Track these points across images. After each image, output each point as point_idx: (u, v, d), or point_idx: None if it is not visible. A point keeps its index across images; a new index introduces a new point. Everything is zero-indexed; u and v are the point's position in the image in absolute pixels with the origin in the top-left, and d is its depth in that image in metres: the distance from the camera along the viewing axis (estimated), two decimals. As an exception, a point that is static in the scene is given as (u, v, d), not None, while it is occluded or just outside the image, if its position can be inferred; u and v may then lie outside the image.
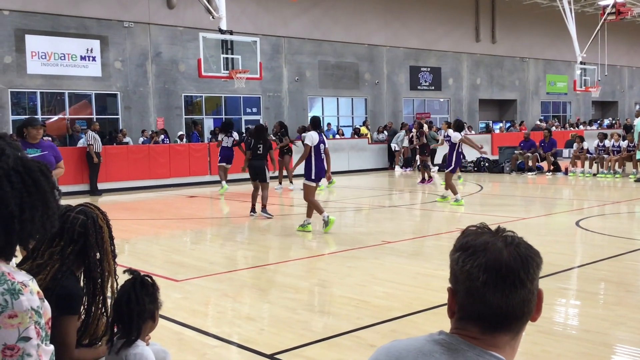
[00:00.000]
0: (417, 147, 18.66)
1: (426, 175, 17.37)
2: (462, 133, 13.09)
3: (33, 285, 1.38)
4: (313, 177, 9.41)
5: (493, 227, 1.43)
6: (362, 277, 6.53)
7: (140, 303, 2.60)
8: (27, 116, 19.05)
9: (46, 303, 1.41)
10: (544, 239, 8.50)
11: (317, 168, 9.36)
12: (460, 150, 12.70)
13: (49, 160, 6.18)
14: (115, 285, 2.71)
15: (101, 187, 16.26)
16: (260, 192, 11.53)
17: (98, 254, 2.64)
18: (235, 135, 15.35)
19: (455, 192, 12.32)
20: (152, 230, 11.02)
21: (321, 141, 9.46)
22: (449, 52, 29.26)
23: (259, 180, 11.55)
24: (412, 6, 26.75)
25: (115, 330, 2.68)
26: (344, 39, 25.32)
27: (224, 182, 15.19)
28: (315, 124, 9.68)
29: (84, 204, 2.76)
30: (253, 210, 11.59)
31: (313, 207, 9.49)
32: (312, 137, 9.40)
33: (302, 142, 14.05)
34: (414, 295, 5.73)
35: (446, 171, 12.58)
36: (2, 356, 1.30)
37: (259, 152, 11.64)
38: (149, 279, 2.70)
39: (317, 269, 7.01)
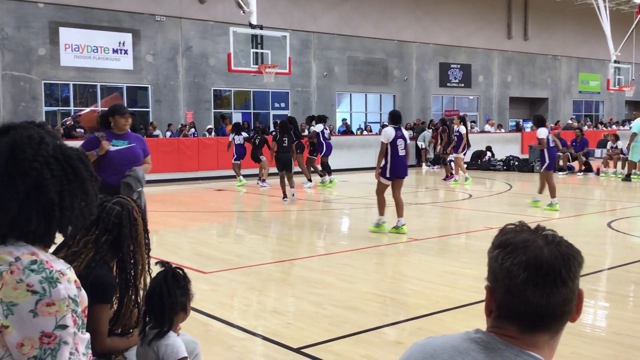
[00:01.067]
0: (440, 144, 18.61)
1: (448, 172, 17.35)
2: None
3: (70, 274, 1.40)
4: (388, 175, 8.89)
5: (532, 226, 1.40)
6: (388, 273, 6.52)
7: (172, 295, 2.63)
8: (59, 108, 19.44)
9: (83, 292, 1.43)
10: (575, 240, 8.27)
11: (392, 165, 8.87)
12: (553, 145, 11.57)
13: (137, 154, 5.60)
14: (148, 278, 2.75)
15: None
16: (287, 180, 12.56)
17: (132, 245, 2.67)
18: (244, 134, 16.62)
19: (553, 195, 11.18)
20: (180, 222, 11.13)
21: (399, 137, 8.84)
22: (479, 49, 28.96)
23: (285, 171, 12.59)
24: (443, 2, 26.52)
25: (147, 321, 2.72)
26: (374, 34, 25.21)
27: (241, 177, 16.47)
28: (394, 118, 9.08)
29: (121, 195, 2.81)
30: (285, 197, 12.58)
31: (378, 204, 9.11)
32: (387, 133, 8.88)
33: (309, 133, 14.73)
34: (441, 293, 5.70)
35: (541, 170, 11.52)
36: (39, 343, 1.32)
37: (284, 144, 12.79)
38: (181, 272, 2.73)
39: (344, 264, 7.01)
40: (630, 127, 17.06)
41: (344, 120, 24.32)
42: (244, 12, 16.00)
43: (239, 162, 16.48)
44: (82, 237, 2.64)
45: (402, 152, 8.87)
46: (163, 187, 16.54)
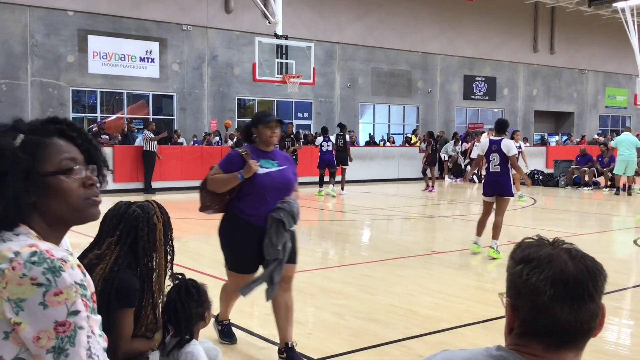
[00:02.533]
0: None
1: (430, 183, 17.77)
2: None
3: (73, 259, 1.38)
4: (483, 191, 8.28)
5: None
6: (410, 286, 6.47)
7: (186, 309, 2.68)
8: (86, 114, 19.72)
9: (88, 277, 1.42)
10: (599, 256, 8.15)
11: (484, 181, 8.31)
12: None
13: (289, 179, 4.22)
14: (164, 285, 2.75)
15: (155, 185, 16.61)
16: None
17: (148, 250, 2.67)
18: (333, 138, 16.53)
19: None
20: (202, 229, 11.18)
21: (494, 150, 8.01)
22: (504, 62, 28.79)
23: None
24: (468, 15, 26.44)
25: (168, 330, 2.74)
26: (398, 46, 25.22)
27: (331, 187, 16.49)
28: (497, 127, 8.31)
29: (150, 200, 2.82)
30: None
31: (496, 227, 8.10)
32: (481, 145, 8.34)
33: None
34: (463, 307, 5.64)
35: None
36: (55, 333, 1.31)
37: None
38: (193, 285, 2.75)
39: (365, 275, 6.98)
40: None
41: (351, 132, 24.38)
42: (269, 23, 16.12)
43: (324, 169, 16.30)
44: (106, 239, 2.67)
45: (494, 168, 8.05)
46: (187, 194, 16.64)
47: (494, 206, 8.21)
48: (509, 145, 8.02)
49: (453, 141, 22.35)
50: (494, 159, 8.02)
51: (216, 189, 4.14)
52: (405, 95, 25.88)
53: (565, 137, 30.26)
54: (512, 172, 8.27)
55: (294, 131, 18.98)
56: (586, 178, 18.95)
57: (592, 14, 30.12)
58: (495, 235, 8.00)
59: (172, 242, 2.79)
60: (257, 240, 4.10)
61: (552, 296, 1.25)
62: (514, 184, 13.93)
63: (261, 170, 4.07)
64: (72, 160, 1.49)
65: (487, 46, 27.93)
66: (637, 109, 31.94)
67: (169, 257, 2.75)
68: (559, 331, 1.26)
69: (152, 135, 16.51)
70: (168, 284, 2.80)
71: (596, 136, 29.24)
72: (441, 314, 5.49)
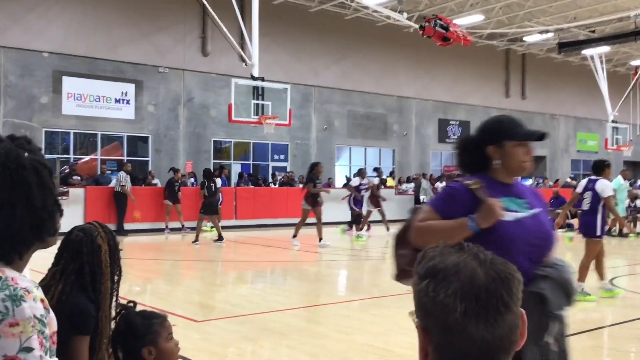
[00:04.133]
0: None
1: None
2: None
3: (37, 292, 1.30)
4: (599, 233, 7.95)
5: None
6: (386, 325, 6.34)
7: (126, 342, 2.51)
8: (59, 155, 19.45)
9: (52, 314, 1.32)
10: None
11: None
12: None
13: (546, 228, 2.69)
14: (114, 310, 2.59)
15: (128, 227, 16.33)
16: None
17: (92, 273, 2.52)
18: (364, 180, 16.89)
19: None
20: (174, 270, 10.96)
21: (589, 189, 7.99)
22: (478, 107, 29.29)
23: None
24: (442, 60, 26.96)
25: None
26: (374, 90, 25.54)
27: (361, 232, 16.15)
28: (594, 167, 8.37)
29: (92, 222, 2.68)
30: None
31: (586, 269, 7.86)
32: (580, 184, 8.19)
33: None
34: (440, 347, 5.52)
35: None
36: None
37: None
38: (133, 316, 2.58)
39: (340, 315, 6.83)
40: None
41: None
42: (246, 65, 16.21)
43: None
44: (51, 269, 2.53)
45: (585, 207, 8.02)
46: (159, 235, 16.39)
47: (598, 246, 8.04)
48: (604, 186, 8.00)
49: (427, 182, 22.54)
50: (586, 198, 8.03)
51: (428, 242, 2.54)
52: (381, 138, 26.08)
53: (541, 180, 30.62)
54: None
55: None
56: (557, 220, 19.07)
57: (562, 61, 30.96)
58: (580, 277, 7.76)
59: (119, 263, 2.64)
60: None
61: (464, 312, 1.08)
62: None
63: (508, 216, 2.54)
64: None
65: (460, 91, 28.42)
66: (608, 153, 32.55)
67: (115, 279, 2.60)
68: (478, 352, 1.09)
69: (127, 177, 16.32)
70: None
71: (569, 180, 29.66)
72: (416, 353, 5.35)
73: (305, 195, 13.73)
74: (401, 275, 2.79)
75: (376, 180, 17.12)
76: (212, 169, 19.53)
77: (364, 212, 17.03)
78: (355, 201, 16.24)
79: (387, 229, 16.52)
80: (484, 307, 1.07)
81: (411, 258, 2.63)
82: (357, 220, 16.24)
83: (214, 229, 16.34)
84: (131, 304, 2.60)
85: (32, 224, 1.32)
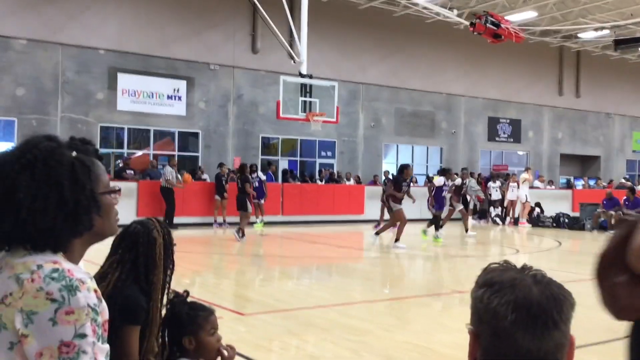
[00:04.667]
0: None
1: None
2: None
3: (91, 283, 1.39)
4: None
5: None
6: (428, 324, 6.36)
7: (172, 327, 2.70)
8: (113, 150, 20.05)
9: (104, 303, 1.42)
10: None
11: None
12: None
13: None
14: (166, 301, 2.74)
15: (178, 221, 16.71)
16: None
17: (147, 265, 2.66)
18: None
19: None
20: (223, 264, 11.19)
21: None
22: (529, 104, 28.73)
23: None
24: (492, 57, 26.55)
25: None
26: (422, 87, 25.35)
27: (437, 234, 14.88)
28: None
29: (150, 217, 2.84)
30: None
31: None
32: None
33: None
34: (482, 347, 5.51)
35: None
36: (58, 353, 1.30)
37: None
38: (183, 304, 2.75)
39: (383, 313, 6.88)
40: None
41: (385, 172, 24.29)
42: (294, 62, 16.36)
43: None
44: (109, 258, 2.68)
45: None
46: (209, 229, 16.72)
47: None
48: None
49: (475, 180, 22.26)
50: None
51: None
52: (429, 136, 25.89)
53: (593, 181, 29.86)
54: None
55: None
56: (613, 222, 18.60)
57: (619, 58, 30.05)
58: None
59: (172, 257, 2.78)
60: None
61: (514, 322, 1.17)
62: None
63: None
64: (110, 181, 1.59)
65: (511, 88, 27.93)
66: (665, 153, 31.50)
67: (168, 272, 2.73)
68: None
69: (173, 172, 16.61)
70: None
71: (623, 180, 28.83)
72: (460, 352, 5.35)
73: (388, 195, 13.39)
74: (625, 311, 2.11)
75: (458, 181, 16.64)
76: (259, 165, 19.84)
77: (445, 212, 16.10)
78: (436, 201, 15.34)
79: (466, 230, 16.28)
80: (533, 320, 1.17)
81: (633, 287, 2.06)
82: (435, 221, 15.51)
83: (259, 224, 16.59)
84: (184, 293, 2.76)
85: (66, 218, 1.41)
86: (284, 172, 21.28)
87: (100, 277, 2.59)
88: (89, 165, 1.49)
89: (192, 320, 2.70)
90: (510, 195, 20.89)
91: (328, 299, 8.01)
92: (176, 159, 18.04)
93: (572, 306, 1.21)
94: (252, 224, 16.36)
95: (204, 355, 2.72)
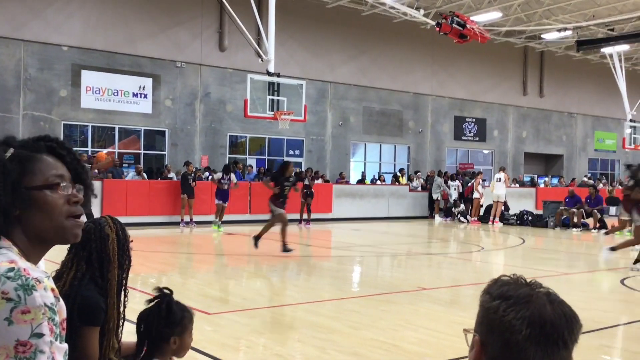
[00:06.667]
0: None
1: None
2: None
3: (48, 282, 1.37)
4: None
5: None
6: (395, 321, 6.40)
7: (152, 325, 2.67)
8: (77, 149, 19.71)
9: (62, 302, 1.40)
10: (588, 296, 8.24)
11: None
12: None
13: None
14: (123, 297, 2.70)
15: (148, 220, 16.54)
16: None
17: (100, 261, 2.63)
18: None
19: None
20: (189, 263, 11.10)
21: None
22: (495, 104, 29.16)
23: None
24: (459, 57, 26.88)
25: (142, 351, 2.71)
26: (390, 86, 25.52)
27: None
28: None
29: (104, 215, 2.81)
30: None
31: None
32: None
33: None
34: (448, 343, 5.58)
35: None
36: (14, 352, 1.29)
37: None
38: (169, 303, 2.72)
39: (350, 310, 6.91)
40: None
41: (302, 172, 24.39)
42: (262, 60, 16.30)
43: None
44: (65, 258, 2.66)
45: None
46: (175, 228, 16.57)
47: None
48: None
49: (441, 179, 22.51)
50: None
51: None
52: (397, 135, 26.07)
53: (555, 179, 30.45)
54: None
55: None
56: (575, 219, 19.01)
57: (581, 59, 30.69)
58: None
59: (129, 253, 2.74)
60: None
61: (527, 337, 1.21)
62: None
63: None
64: (59, 177, 1.50)
65: (477, 88, 28.31)
66: (625, 152, 32.27)
67: (124, 267, 2.70)
68: None
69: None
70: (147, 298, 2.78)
71: (585, 179, 29.46)
72: (425, 349, 5.42)
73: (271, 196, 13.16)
74: None
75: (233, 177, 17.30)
76: (227, 163, 19.74)
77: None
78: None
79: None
80: (546, 337, 1.20)
81: None
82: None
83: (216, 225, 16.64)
84: (168, 291, 2.73)
85: None
86: (259, 171, 21.18)
87: (56, 277, 2.55)
88: (23, 162, 1.46)
89: (181, 320, 2.71)
90: (476, 194, 21.14)
91: (295, 297, 8.01)
92: (142, 157, 17.86)
93: (580, 328, 1.25)
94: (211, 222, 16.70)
95: (177, 355, 2.74)
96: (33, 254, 1.48)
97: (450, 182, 22.22)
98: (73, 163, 1.57)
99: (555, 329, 1.21)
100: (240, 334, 5.92)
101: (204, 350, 5.11)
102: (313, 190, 18.89)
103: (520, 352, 1.20)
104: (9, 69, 17.89)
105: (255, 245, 11.41)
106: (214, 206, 17.48)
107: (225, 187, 16.98)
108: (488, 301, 1.28)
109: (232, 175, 17.21)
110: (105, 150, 19.98)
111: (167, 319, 2.67)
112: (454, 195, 21.90)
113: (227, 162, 21.41)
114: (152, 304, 2.72)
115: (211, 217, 17.81)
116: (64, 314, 1.41)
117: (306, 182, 18.68)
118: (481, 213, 21.28)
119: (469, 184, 21.60)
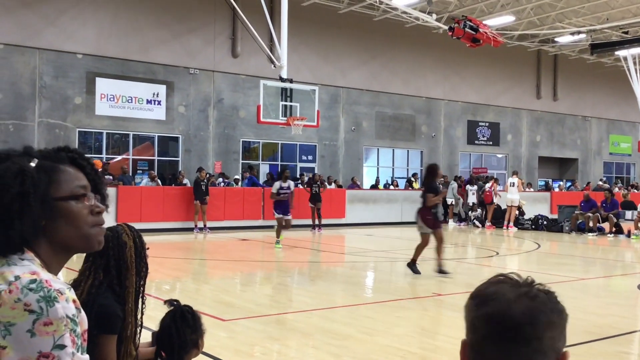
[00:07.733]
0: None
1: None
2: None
3: (70, 293, 1.38)
4: None
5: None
6: (410, 327, 6.37)
7: (181, 335, 2.71)
8: (92, 155, 19.84)
9: (83, 313, 1.41)
10: (603, 301, 8.15)
11: None
12: None
13: None
14: (141, 304, 2.71)
15: (162, 226, 16.62)
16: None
17: (118, 268, 2.65)
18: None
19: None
20: (203, 269, 11.13)
21: None
22: (508, 108, 29.02)
23: None
24: (472, 61, 26.79)
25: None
26: (402, 91, 25.48)
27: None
28: None
29: (120, 223, 2.83)
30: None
31: None
32: None
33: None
34: (463, 349, 5.54)
35: None
36: None
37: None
38: (189, 311, 2.79)
39: (364, 316, 6.89)
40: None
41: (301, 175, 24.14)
42: (274, 67, 16.35)
43: None
44: (82, 266, 2.67)
45: None
46: (188, 234, 16.62)
47: None
48: None
49: (456, 183, 22.42)
50: None
51: None
52: (409, 139, 26.02)
53: (569, 183, 30.23)
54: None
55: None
56: (590, 224, 18.85)
57: (595, 62, 30.48)
58: None
59: (145, 261, 2.76)
60: None
61: (485, 335, 1.15)
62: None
63: None
64: (83, 188, 1.53)
65: (490, 92, 28.19)
66: (641, 155, 32.00)
67: (142, 275, 2.72)
68: None
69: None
70: (163, 308, 2.79)
71: (600, 182, 29.22)
72: (440, 355, 5.39)
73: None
74: None
75: None
76: (239, 169, 19.80)
77: None
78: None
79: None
80: (502, 334, 1.13)
81: None
82: None
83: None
84: (176, 302, 2.78)
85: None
86: (270, 176, 21.24)
87: (74, 286, 2.56)
88: (49, 172, 1.48)
89: (199, 328, 2.79)
90: (496, 199, 21.05)
91: (310, 303, 7.99)
92: (156, 163, 17.95)
93: (551, 323, 1.15)
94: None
95: (194, 357, 2.80)
96: (55, 264, 1.49)
97: (469, 187, 22.11)
98: (92, 174, 1.59)
99: (513, 325, 1.13)
100: (254, 340, 5.91)
101: (219, 356, 5.11)
102: (321, 195, 18.75)
103: (479, 351, 1.16)
104: (25, 76, 18.07)
105: (415, 271, 10.13)
106: (228, 212, 17.53)
107: (285, 197, 13.93)
108: (467, 301, 1.24)
109: (290, 183, 14.20)
110: (119, 158, 20.12)
111: (194, 326, 2.74)
112: (473, 199, 21.80)
113: (239, 167, 21.49)
114: (170, 315, 2.75)
115: (224, 223, 17.87)
116: (85, 325, 1.41)
117: (314, 188, 18.58)
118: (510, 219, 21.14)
119: (487, 190, 21.42)
